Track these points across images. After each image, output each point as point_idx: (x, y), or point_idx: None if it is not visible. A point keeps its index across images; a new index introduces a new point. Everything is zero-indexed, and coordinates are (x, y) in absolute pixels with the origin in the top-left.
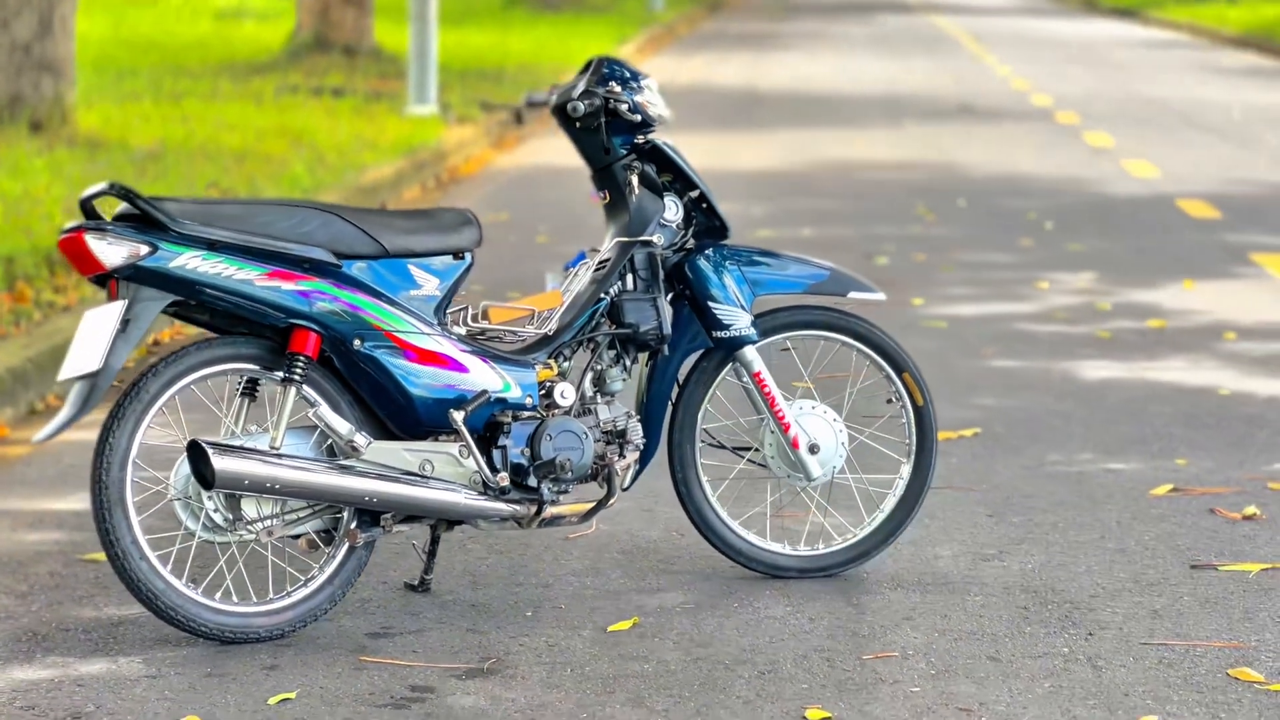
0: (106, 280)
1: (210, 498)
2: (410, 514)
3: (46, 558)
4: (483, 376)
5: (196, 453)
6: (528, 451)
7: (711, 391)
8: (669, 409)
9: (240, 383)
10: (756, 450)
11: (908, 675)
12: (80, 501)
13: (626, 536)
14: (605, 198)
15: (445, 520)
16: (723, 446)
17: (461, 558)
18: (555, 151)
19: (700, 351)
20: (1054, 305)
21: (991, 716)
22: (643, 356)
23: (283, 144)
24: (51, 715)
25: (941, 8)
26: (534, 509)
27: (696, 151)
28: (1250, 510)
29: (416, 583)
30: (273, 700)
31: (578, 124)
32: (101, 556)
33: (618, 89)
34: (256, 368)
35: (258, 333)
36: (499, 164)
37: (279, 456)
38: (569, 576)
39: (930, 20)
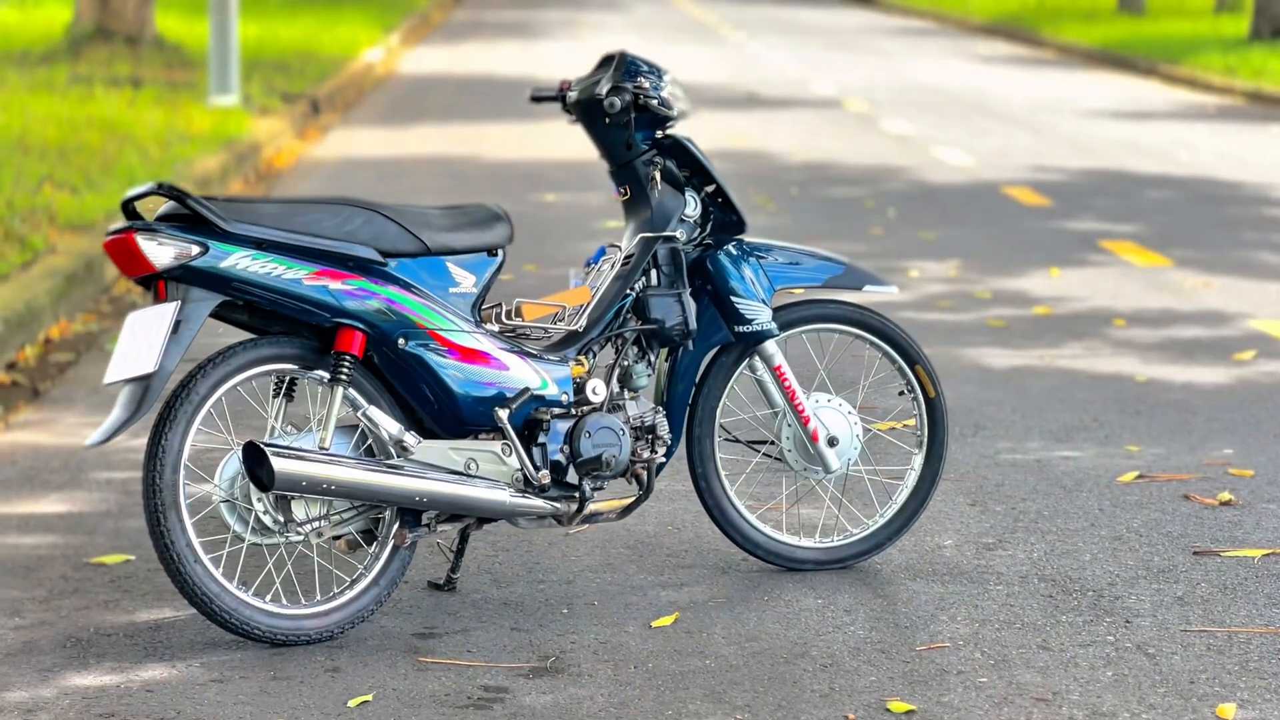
0: (152, 281)
1: (260, 500)
2: (456, 513)
3: (50, 562)
4: (522, 374)
5: (253, 454)
6: (566, 449)
7: (729, 386)
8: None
9: (283, 383)
10: (773, 444)
11: (969, 666)
12: (57, 503)
13: (624, 533)
14: (626, 193)
15: (483, 519)
16: (738, 440)
17: (470, 556)
18: (362, 143)
19: (718, 346)
20: (932, 294)
21: (1070, 705)
22: (663, 352)
23: (100, 136)
24: None
25: None
26: (575, 506)
27: (510, 141)
28: (1225, 496)
29: (443, 581)
30: (353, 703)
31: (607, 119)
32: (110, 559)
33: (646, 84)
34: (298, 367)
35: (295, 332)
36: (311, 156)
37: (333, 457)
38: (586, 573)
39: (679, 7)
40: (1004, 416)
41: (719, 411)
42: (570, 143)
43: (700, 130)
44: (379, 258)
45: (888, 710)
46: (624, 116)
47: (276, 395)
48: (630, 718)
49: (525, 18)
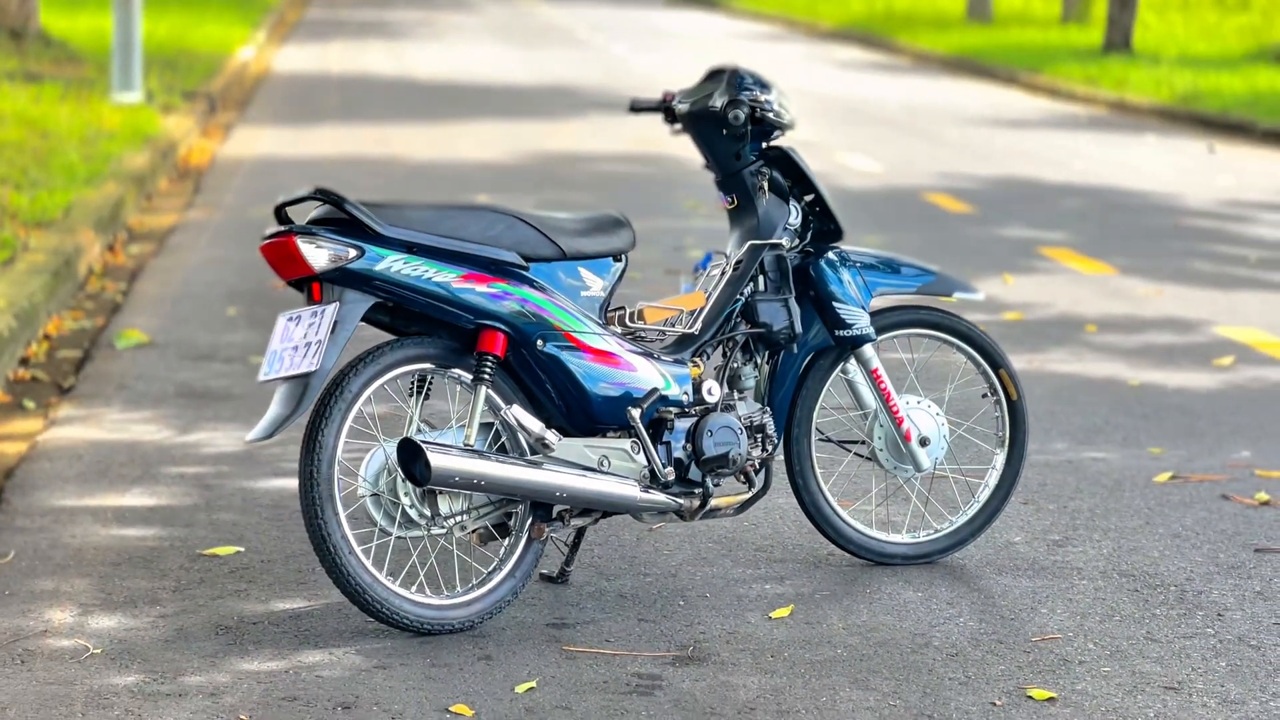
0: (306, 283)
1: (407, 494)
2: (589, 508)
3: (164, 554)
4: (649, 374)
5: (408, 450)
6: (689, 446)
7: (825, 388)
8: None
9: (426, 381)
10: (864, 444)
11: (1089, 656)
12: (142, 497)
13: (704, 528)
14: (733, 202)
15: (607, 513)
16: (831, 440)
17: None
18: (271, 142)
19: (816, 350)
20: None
21: (1198, 694)
22: (765, 354)
23: (19, 132)
24: (318, 705)
25: None
26: (697, 502)
27: (418, 143)
28: (1263, 496)
29: (556, 574)
30: (519, 689)
31: (725, 131)
32: (221, 551)
33: (761, 97)
34: (436, 367)
35: (433, 332)
36: (225, 154)
37: (481, 454)
38: (687, 566)
39: (530, 9)
40: None
41: (816, 413)
42: (479, 145)
43: (600, 132)
44: (521, 262)
45: (1029, 697)
46: (743, 128)
47: (416, 394)
48: (789, 704)
49: (380, 17)
